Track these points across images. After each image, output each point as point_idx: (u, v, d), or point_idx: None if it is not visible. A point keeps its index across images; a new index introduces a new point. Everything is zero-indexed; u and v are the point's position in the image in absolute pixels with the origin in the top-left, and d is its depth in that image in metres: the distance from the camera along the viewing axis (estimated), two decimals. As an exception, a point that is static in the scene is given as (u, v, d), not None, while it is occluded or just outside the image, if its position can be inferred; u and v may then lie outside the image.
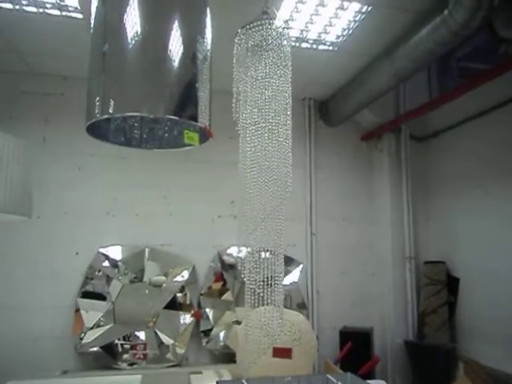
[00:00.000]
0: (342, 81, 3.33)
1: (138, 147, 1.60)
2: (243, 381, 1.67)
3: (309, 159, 3.71)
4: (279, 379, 1.83)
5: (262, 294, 1.61)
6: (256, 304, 1.63)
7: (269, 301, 1.62)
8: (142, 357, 2.98)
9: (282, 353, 1.45)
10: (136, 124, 1.60)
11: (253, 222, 1.61)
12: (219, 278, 3.30)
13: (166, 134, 1.67)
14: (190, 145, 1.55)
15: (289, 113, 1.54)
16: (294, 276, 3.47)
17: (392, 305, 3.47)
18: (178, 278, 3.21)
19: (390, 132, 3.72)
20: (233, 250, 3.28)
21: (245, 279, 1.62)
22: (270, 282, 1.63)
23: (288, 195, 1.51)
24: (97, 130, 1.51)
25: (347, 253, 3.65)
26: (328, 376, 1.91)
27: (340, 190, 3.76)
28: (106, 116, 1.34)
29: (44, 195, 3.07)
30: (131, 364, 2.96)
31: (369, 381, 2.32)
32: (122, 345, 2.98)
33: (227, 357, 3.06)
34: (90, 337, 2.92)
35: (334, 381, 1.84)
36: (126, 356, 2.96)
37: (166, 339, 3.06)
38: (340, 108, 3.52)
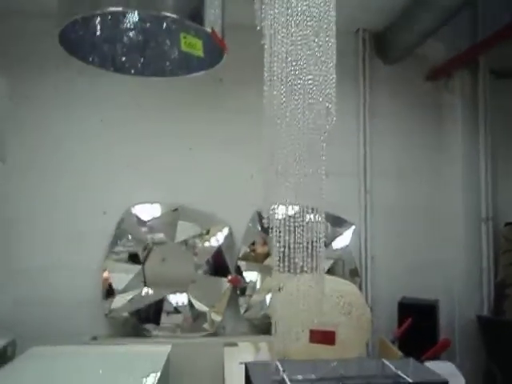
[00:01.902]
0: (402, 2, 2.76)
1: (132, 74, 1.26)
2: (277, 363, 1.36)
3: (363, 106, 3.22)
4: (323, 363, 1.51)
5: (299, 260, 1.29)
6: (292, 271, 1.32)
7: (308, 267, 1.31)
8: (174, 324, 2.79)
9: (323, 337, 1.12)
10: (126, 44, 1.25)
11: (287, 173, 1.31)
12: (261, 241, 2.99)
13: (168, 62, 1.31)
14: (197, 71, 1.19)
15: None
16: (346, 239, 3.09)
17: (463, 273, 3.01)
18: (213, 240, 2.95)
19: (464, 67, 3.11)
20: (276, 209, 2.94)
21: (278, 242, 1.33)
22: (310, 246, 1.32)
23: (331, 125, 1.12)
24: (80, 50, 1.19)
25: (408, 213, 3.19)
26: (384, 361, 1.56)
27: (399, 141, 3.25)
28: (81, 15, 1.01)
29: (63, 151, 2.88)
30: (163, 331, 2.78)
31: (433, 362, 1.96)
32: (152, 311, 2.80)
33: (267, 327, 2.78)
34: (119, 301, 2.76)
35: (392, 368, 1.49)
36: (157, 323, 2.78)
37: (201, 306, 2.85)
38: (400, 39, 2.97)
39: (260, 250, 3.00)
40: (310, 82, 1.12)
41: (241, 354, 2.20)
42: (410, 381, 1.36)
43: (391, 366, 1.52)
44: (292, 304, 1.16)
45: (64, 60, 1.29)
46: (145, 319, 2.79)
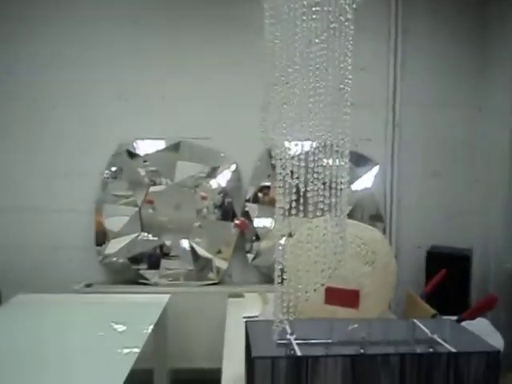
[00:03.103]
0: None
1: None
2: (284, 322, 1.11)
3: (394, 22, 2.77)
4: (340, 324, 1.26)
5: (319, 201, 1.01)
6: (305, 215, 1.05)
7: (327, 209, 1.04)
8: (175, 272, 2.59)
9: (343, 298, 0.84)
10: None
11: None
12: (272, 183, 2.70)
13: None
14: None
15: None
16: (367, 180, 2.77)
17: (503, 220, 2.68)
18: (218, 180, 2.67)
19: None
20: (289, 146, 2.61)
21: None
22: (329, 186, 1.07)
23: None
24: None
25: (441, 150, 2.83)
26: (415, 322, 1.30)
27: (435, 64, 2.82)
28: None
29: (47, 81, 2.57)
30: (163, 279, 2.59)
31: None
32: (151, 257, 2.60)
33: (278, 276, 2.57)
34: (113, 246, 2.56)
35: (426, 331, 1.23)
36: (155, 270, 2.58)
37: (204, 253, 2.63)
38: None
39: (273, 194, 2.72)
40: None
41: (246, 306, 1.99)
42: (452, 349, 1.10)
43: (425, 329, 1.26)
44: (303, 253, 0.90)
45: None
46: (143, 266, 2.59)
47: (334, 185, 1.06)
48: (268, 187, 2.69)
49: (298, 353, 1.05)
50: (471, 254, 2.59)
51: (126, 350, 1.52)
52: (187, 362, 2.44)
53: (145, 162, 2.64)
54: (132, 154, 2.65)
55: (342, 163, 1.10)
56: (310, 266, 0.87)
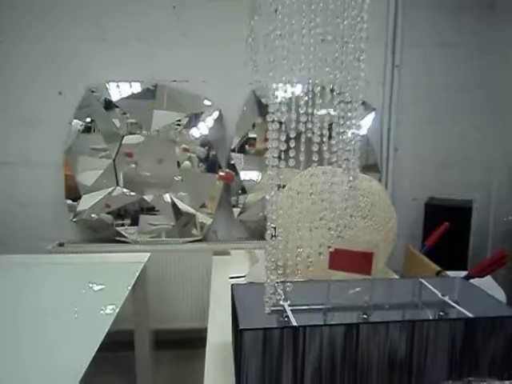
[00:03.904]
0: None
1: None
2: (276, 285, 0.96)
3: None
4: (340, 286, 1.12)
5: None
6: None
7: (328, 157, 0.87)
8: (156, 229, 2.43)
9: (353, 261, 0.69)
10: None
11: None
12: (262, 135, 2.50)
13: None
14: None
15: None
16: (363, 127, 2.59)
17: (505, 167, 2.56)
18: (200, 128, 2.46)
19: None
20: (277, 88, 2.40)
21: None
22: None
23: None
24: None
25: (441, 94, 2.64)
26: (423, 281, 1.18)
27: (438, 1, 2.57)
28: None
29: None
30: (143, 236, 2.43)
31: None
32: (129, 213, 2.42)
33: (265, 231, 2.43)
34: (86, 202, 2.37)
35: (435, 291, 1.11)
36: (134, 227, 2.42)
37: (186, 208, 2.46)
38: None
39: (260, 146, 2.52)
40: None
41: (232, 264, 1.85)
42: (469, 314, 0.98)
43: (434, 290, 1.14)
44: (303, 206, 0.75)
45: None
46: (120, 222, 2.43)
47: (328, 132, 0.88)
48: (255, 138, 2.50)
49: (294, 322, 0.92)
50: (472, 204, 2.47)
51: (104, 311, 1.44)
52: (170, 323, 2.35)
53: (117, 107, 2.40)
54: (103, 100, 2.40)
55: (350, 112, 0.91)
56: (314, 223, 0.72)
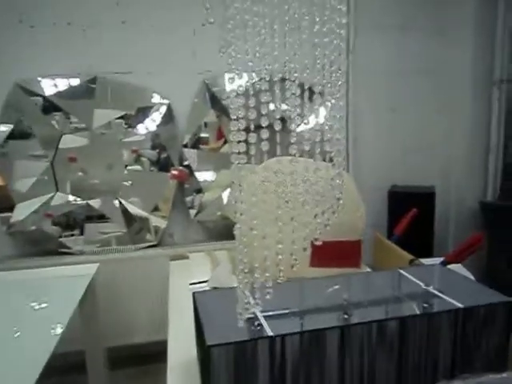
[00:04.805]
0: None
1: None
2: (244, 289, 0.84)
3: None
4: (315, 284, 1.02)
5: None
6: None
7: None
8: (104, 237, 2.25)
9: (338, 253, 0.58)
10: None
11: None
12: (215, 133, 2.37)
13: None
14: None
15: None
16: (319, 116, 2.51)
17: (465, 153, 2.58)
18: (147, 123, 2.29)
19: None
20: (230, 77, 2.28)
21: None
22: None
23: None
24: None
25: (400, 80, 2.62)
26: (401, 272, 1.10)
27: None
28: None
29: None
30: (91, 246, 2.24)
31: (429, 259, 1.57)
32: (72, 221, 2.22)
33: (226, 231, 2.31)
34: (22, 212, 2.14)
35: (419, 283, 1.03)
36: (78, 237, 2.22)
37: (136, 211, 2.29)
38: None
39: (215, 144, 2.40)
40: None
41: (192, 269, 1.71)
42: (459, 305, 0.91)
43: (415, 280, 1.06)
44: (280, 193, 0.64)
45: None
46: (63, 233, 2.21)
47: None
48: (207, 138, 2.37)
49: (269, 331, 0.80)
50: (434, 190, 2.47)
51: (49, 331, 1.29)
52: (127, 338, 2.17)
53: (51, 102, 2.19)
54: (33, 94, 2.18)
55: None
56: (296, 211, 0.59)
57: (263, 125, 0.71)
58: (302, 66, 0.77)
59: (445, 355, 0.87)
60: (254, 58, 0.76)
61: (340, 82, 0.85)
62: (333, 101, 0.81)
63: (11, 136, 2.15)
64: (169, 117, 2.31)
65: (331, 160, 0.83)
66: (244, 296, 0.62)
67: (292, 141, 0.76)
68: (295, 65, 0.76)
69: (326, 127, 0.82)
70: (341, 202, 0.64)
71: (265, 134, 0.71)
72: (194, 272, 1.65)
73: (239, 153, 0.71)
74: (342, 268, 0.68)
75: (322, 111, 0.86)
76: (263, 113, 0.71)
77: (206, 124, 2.36)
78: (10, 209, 2.15)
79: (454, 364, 0.88)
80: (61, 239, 2.20)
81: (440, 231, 2.58)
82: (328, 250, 0.65)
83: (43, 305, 1.51)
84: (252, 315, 0.84)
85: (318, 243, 0.56)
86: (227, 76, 0.75)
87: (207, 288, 1.42)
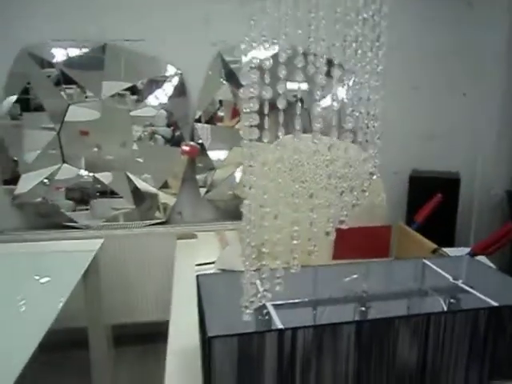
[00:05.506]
0: None
1: None
2: (253, 275, 0.76)
3: None
4: (331, 273, 0.94)
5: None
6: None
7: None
8: (112, 212, 2.19)
9: (365, 242, 0.49)
10: None
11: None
12: (230, 111, 2.27)
13: None
14: None
15: None
16: (339, 94, 2.39)
17: (492, 140, 2.44)
18: (158, 95, 2.20)
19: None
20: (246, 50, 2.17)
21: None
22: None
23: None
24: None
25: (424, 58, 2.47)
26: (426, 263, 1.01)
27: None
28: None
29: None
30: (97, 221, 2.18)
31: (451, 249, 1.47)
32: (79, 195, 2.16)
33: (237, 211, 2.23)
34: (27, 183, 2.09)
35: (446, 276, 0.94)
36: (85, 211, 2.16)
37: (145, 186, 2.22)
38: None
39: (229, 123, 2.30)
40: None
41: (199, 249, 1.64)
42: (493, 303, 0.82)
43: (442, 272, 0.97)
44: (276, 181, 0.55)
45: None
46: (69, 206, 2.16)
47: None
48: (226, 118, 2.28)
49: (278, 323, 0.72)
50: (459, 176, 2.35)
51: (49, 305, 1.30)
52: (131, 316, 2.13)
53: (58, 69, 2.10)
54: (40, 61, 2.10)
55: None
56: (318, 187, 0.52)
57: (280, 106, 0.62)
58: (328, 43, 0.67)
59: (474, 359, 0.78)
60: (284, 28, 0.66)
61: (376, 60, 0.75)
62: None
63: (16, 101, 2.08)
64: (181, 89, 2.21)
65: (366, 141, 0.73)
66: (250, 287, 0.54)
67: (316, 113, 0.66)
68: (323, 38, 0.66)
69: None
70: (374, 177, 0.56)
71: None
72: (201, 252, 1.57)
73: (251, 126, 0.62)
74: (370, 259, 0.59)
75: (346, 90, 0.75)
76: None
77: (220, 102, 2.26)
78: (12, 180, 2.10)
79: (482, 369, 0.79)
80: (68, 213, 2.15)
81: (462, 220, 2.47)
82: (355, 237, 0.55)
83: (46, 278, 1.51)
84: (260, 303, 0.76)
85: (344, 227, 0.47)
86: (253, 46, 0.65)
87: (214, 270, 1.35)
